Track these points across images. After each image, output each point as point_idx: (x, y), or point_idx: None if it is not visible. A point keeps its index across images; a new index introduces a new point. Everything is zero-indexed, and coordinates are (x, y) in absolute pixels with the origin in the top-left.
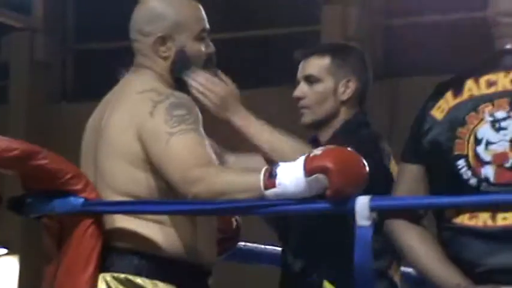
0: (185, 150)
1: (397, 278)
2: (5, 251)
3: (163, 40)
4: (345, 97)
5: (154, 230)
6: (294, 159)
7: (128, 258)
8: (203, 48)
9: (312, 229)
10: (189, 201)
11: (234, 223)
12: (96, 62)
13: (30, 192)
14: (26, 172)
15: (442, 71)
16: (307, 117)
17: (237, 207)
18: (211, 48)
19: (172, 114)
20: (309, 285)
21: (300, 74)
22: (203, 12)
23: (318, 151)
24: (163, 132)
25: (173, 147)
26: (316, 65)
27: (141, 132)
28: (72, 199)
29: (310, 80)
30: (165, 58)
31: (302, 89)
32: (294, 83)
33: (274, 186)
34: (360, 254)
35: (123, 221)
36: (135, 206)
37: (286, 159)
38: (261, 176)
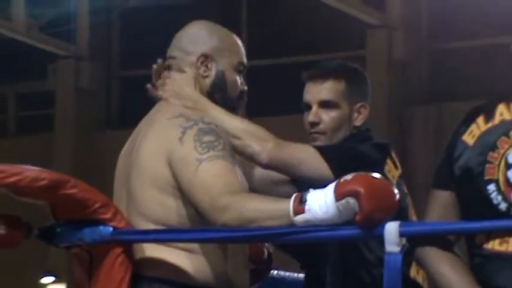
0: (214, 177)
1: (420, 279)
2: (52, 278)
3: (205, 59)
4: (359, 123)
5: (185, 259)
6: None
7: (157, 286)
8: (239, 81)
9: (335, 252)
10: (217, 228)
11: (266, 253)
12: (141, 89)
13: (59, 222)
14: (56, 201)
15: (488, 96)
16: (321, 143)
17: (266, 234)
18: (245, 86)
19: (201, 141)
20: None
21: (313, 98)
22: (243, 48)
23: (348, 176)
24: (193, 158)
25: (202, 174)
26: (333, 89)
27: (171, 158)
28: (101, 228)
29: (328, 105)
30: (203, 78)
31: (318, 114)
32: None
33: (303, 211)
34: (390, 280)
35: (152, 250)
36: (164, 235)
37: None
38: (291, 202)
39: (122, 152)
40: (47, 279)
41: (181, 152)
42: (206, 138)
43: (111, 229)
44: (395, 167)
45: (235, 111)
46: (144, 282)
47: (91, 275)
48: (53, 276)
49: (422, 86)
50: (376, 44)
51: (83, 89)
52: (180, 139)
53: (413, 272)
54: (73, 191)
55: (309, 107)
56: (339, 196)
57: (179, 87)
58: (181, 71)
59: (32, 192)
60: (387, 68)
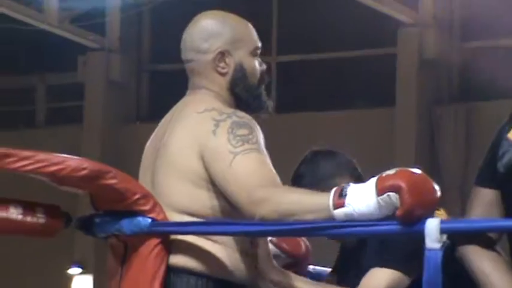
0: (249, 170)
1: None
2: (79, 270)
3: (222, 56)
4: None
5: (213, 250)
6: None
7: (185, 278)
8: (258, 65)
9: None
10: (256, 222)
11: (303, 247)
12: (171, 82)
13: (99, 212)
14: (95, 191)
15: None
16: None
17: (305, 228)
18: (264, 66)
19: (235, 134)
20: None
21: None
22: (254, 30)
23: (391, 171)
24: (227, 151)
25: (237, 167)
26: None
27: (203, 151)
28: (140, 219)
29: None
30: (223, 74)
31: None
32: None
33: (343, 205)
34: (430, 276)
35: (180, 241)
36: (203, 227)
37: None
38: (331, 196)
39: (148, 144)
40: (74, 270)
41: (215, 144)
42: (240, 131)
43: (149, 221)
44: None
45: (260, 98)
46: (172, 272)
47: (124, 265)
48: (80, 267)
49: (452, 85)
50: (407, 42)
51: (113, 82)
52: (214, 132)
53: None
54: (113, 181)
55: None
56: (380, 190)
57: None
58: (201, 74)
59: (72, 182)
60: (418, 66)
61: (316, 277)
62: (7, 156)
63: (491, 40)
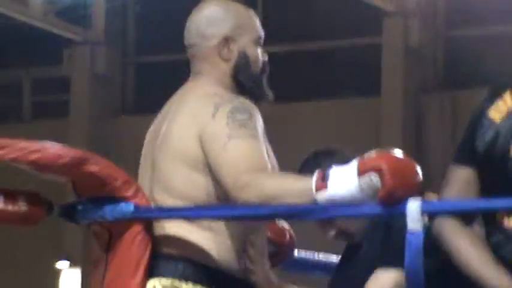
0: (241, 155)
1: None
2: (67, 263)
3: (226, 41)
4: None
5: (208, 239)
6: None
7: (173, 263)
8: (260, 54)
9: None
10: (237, 205)
11: (288, 235)
12: (156, 75)
13: (81, 199)
14: (77, 178)
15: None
16: None
17: (286, 211)
18: (266, 56)
19: (233, 118)
20: None
21: None
22: (257, 19)
23: (372, 153)
24: (223, 134)
25: (230, 150)
26: None
27: (202, 134)
28: (122, 205)
29: None
30: (226, 61)
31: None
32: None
33: (325, 188)
34: (411, 258)
35: (174, 227)
36: (185, 212)
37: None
38: (314, 179)
39: (149, 131)
40: (62, 264)
41: (213, 127)
42: (239, 116)
43: (132, 206)
44: None
45: (261, 87)
46: (161, 259)
47: (109, 252)
48: (68, 260)
49: (437, 73)
50: (392, 31)
51: (99, 75)
52: (213, 115)
53: None
54: (94, 167)
55: None
56: (361, 172)
57: None
58: (204, 59)
59: (53, 169)
60: (403, 55)
61: (301, 262)
62: None
63: (476, 28)
